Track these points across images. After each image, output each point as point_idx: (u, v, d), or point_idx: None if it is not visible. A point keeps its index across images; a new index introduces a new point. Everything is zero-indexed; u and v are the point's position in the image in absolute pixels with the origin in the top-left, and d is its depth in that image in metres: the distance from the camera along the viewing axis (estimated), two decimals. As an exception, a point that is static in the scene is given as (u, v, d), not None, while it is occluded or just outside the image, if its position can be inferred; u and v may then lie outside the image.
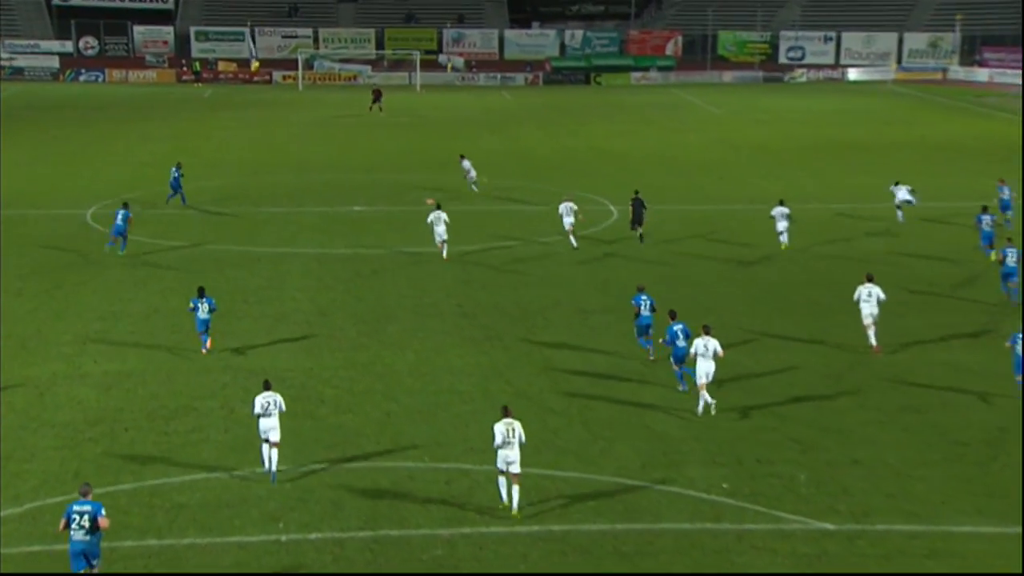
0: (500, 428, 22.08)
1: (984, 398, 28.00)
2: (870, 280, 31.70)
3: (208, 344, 30.84)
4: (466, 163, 54.07)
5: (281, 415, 23.69)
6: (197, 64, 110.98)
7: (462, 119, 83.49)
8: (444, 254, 40.72)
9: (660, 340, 28.91)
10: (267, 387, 24.06)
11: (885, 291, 31.58)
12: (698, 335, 27.10)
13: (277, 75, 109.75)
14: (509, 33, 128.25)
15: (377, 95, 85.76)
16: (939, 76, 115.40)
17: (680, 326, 27.93)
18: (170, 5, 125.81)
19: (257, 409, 23.63)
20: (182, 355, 30.81)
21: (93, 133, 74.25)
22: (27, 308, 35.04)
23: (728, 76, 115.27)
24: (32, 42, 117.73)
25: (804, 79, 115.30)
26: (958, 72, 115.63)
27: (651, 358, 30.22)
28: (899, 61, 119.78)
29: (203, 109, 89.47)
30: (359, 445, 25.15)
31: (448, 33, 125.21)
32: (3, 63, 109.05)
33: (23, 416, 26.71)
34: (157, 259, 40.92)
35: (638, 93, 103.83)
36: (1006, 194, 46.27)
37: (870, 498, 22.77)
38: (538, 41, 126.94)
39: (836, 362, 30.72)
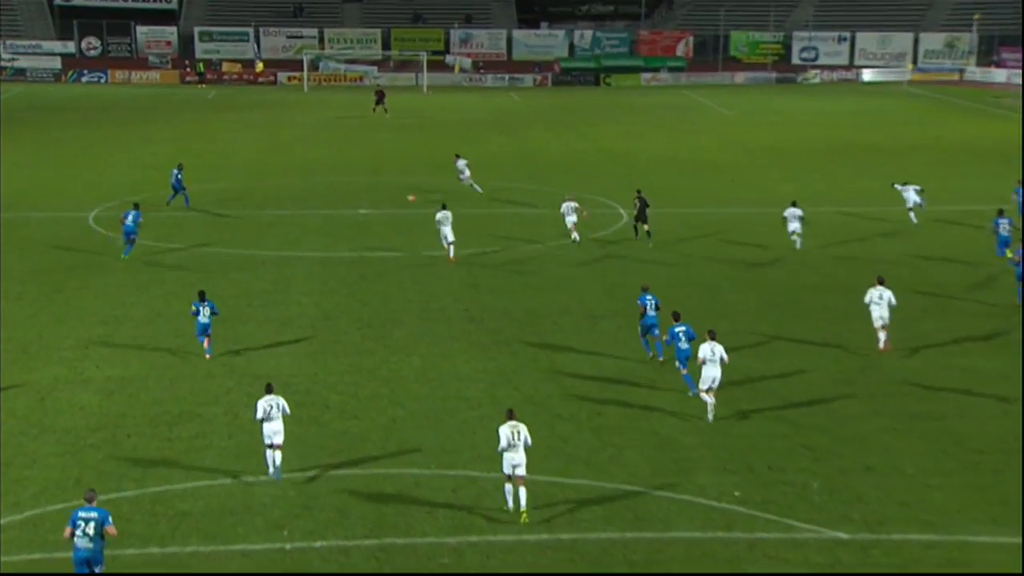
0: (505, 431, 21.96)
1: (1001, 404, 27.61)
2: (881, 283, 31.42)
3: (205, 344, 30.62)
4: (460, 163, 53.80)
5: (285, 419, 23.52)
6: (201, 65, 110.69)
7: (469, 121, 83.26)
8: (451, 255, 40.50)
9: (663, 339, 28.75)
10: (269, 390, 23.88)
11: (900, 294, 31.34)
12: (703, 340, 26.82)
13: (282, 76, 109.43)
14: (517, 33, 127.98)
15: (380, 96, 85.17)
16: (956, 77, 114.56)
17: (683, 328, 27.81)
18: (173, 5, 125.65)
19: (259, 413, 23.45)
20: (185, 360, 30.58)
21: (95, 135, 74.04)
22: (28, 312, 34.83)
23: (740, 77, 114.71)
24: (34, 42, 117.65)
25: (817, 80, 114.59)
26: (975, 73, 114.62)
27: (660, 359, 29.97)
28: (915, 62, 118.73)
29: (207, 111, 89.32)
30: (364, 451, 24.90)
31: (455, 33, 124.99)
32: (5, 64, 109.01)
33: (24, 422, 26.49)
34: (160, 262, 40.67)
35: (648, 94, 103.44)
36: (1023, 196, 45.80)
37: (884, 507, 22.45)
38: (547, 42, 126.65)
39: (849, 367, 30.38)
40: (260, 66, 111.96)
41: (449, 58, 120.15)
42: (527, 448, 21.93)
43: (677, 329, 27.83)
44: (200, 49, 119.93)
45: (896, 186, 47.62)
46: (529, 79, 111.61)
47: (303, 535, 21.29)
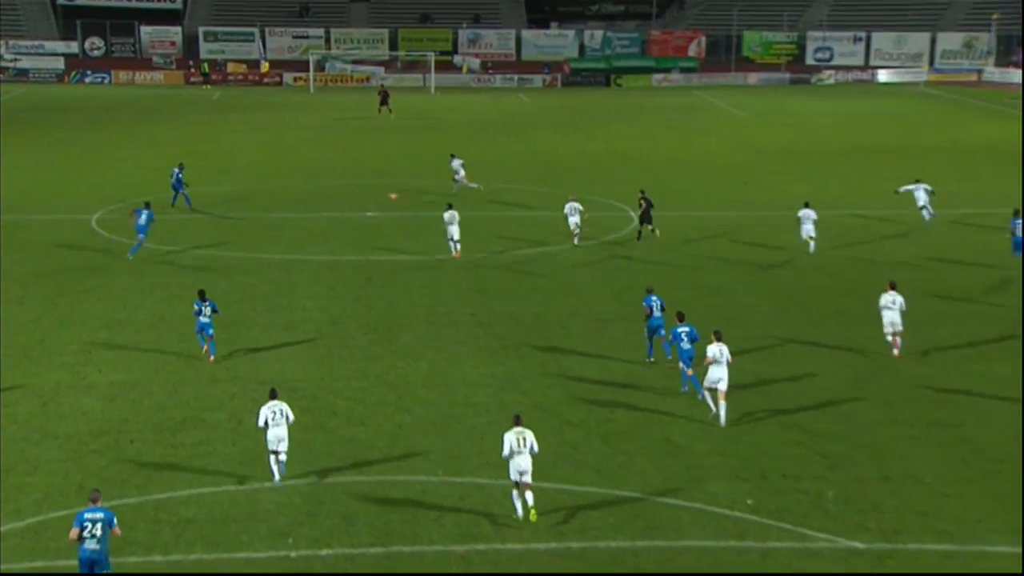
0: (510, 437, 21.79)
1: (1020, 411, 27.12)
2: (893, 288, 31.15)
3: (205, 348, 30.39)
4: (455, 162, 53.53)
5: (289, 425, 23.31)
6: (206, 65, 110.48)
7: (478, 122, 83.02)
8: (455, 252, 40.61)
9: (668, 338, 28.59)
10: (273, 396, 23.66)
11: (915, 297, 31.17)
12: (709, 342, 26.58)
13: (288, 77, 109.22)
14: (527, 33, 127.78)
15: (384, 97, 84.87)
16: (974, 78, 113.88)
17: (686, 328, 27.65)
18: (178, 5, 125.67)
19: (262, 420, 23.20)
20: (189, 364, 30.32)
21: (99, 136, 73.85)
22: (30, 316, 34.55)
23: (753, 78, 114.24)
24: (36, 43, 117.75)
25: (832, 81, 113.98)
26: (994, 74, 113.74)
27: (667, 357, 29.65)
28: (932, 62, 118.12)
29: (212, 112, 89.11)
30: (371, 458, 24.63)
31: (464, 33, 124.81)
32: (7, 64, 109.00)
33: (26, 427, 26.24)
34: (164, 265, 40.41)
35: (660, 95, 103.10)
36: None
37: (901, 516, 22.09)
38: (556, 42, 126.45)
39: (865, 372, 30.00)
40: (265, 66, 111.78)
41: (457, 58, 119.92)
42: (534, 454, 21.72)
43: (680, 329, 27.69)
44: (205, 49, 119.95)
45: (901, 189, 47.24)
46: (538, 80, 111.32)
47: (308, 543, 21.05)
